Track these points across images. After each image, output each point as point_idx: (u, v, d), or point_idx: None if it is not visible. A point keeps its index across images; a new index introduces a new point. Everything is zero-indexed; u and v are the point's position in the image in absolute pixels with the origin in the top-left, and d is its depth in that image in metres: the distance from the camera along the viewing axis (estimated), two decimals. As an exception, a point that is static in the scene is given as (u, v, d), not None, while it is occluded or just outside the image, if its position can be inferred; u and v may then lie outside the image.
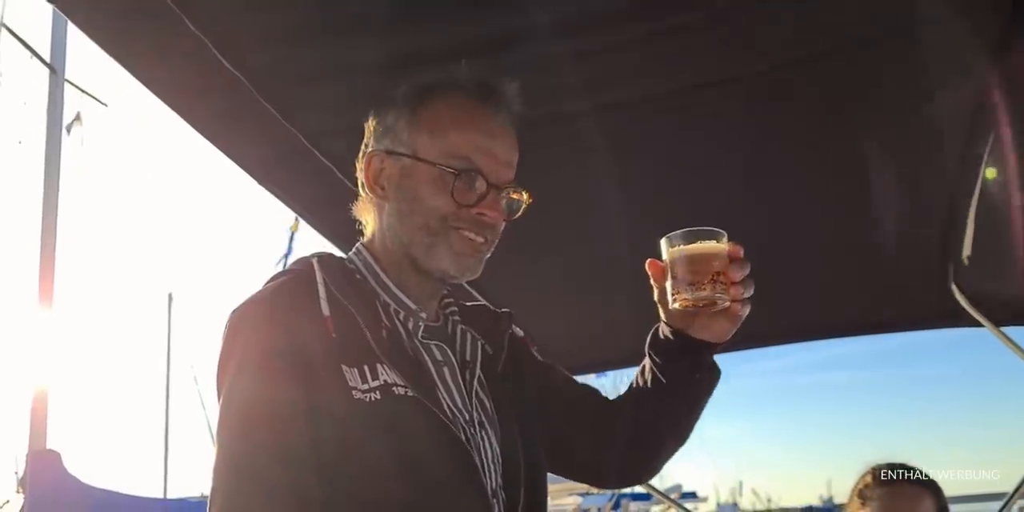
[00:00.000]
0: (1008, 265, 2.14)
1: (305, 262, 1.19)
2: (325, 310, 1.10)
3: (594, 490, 22.18)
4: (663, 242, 1.20)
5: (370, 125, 1.25)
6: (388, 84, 1.24)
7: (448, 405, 1.13)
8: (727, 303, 1.17)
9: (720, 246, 1.17)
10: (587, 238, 2.30)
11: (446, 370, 1.18)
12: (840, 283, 2.64)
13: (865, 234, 2.32)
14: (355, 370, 1.07)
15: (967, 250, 2.26)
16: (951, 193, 2.05)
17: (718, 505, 50.87)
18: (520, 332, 1.35)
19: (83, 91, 10.47)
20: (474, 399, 1.18)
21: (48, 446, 6.21)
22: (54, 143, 7.02)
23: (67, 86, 7.75)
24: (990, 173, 1.73)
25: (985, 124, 1.71)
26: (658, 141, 1.90)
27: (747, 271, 1.17)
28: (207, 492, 1.05)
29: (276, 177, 1.94)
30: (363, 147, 1.25)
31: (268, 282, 1.18)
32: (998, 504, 2.70)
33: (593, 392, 1.40)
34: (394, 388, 1.07)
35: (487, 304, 1.39)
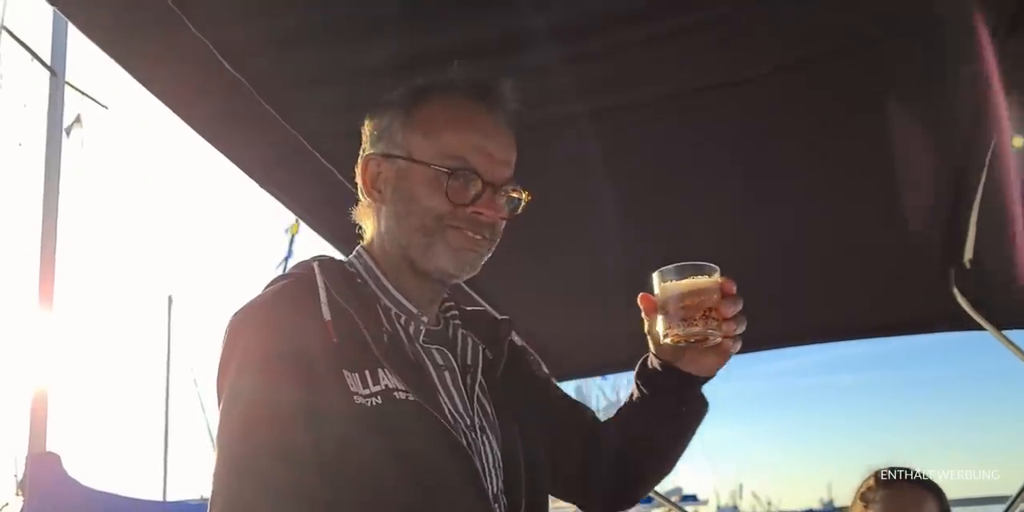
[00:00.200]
0: (1010, 268, 2.13)
1: (306, 266, 1.18)
2: (326, 314, 1.09)
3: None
4: (655, 276, 1.19)
5: (367, 129, 1.25)
6: (389, 86, 1.24)
7: (449, 409, 1.12)
8: (719, 339, 1.17)
9: (713, 281, 1.16)
10: (588, 241, 2.30)
11: (447, 374, 1.17)
12: (842, 286, 2.64)
13: (867, 237, 2.32)
14: (356, 375, 1.06)
15: (969, 253, 2.26)
16: (953, 196, 2.05)
17: (718, 508, 50.93)
18: (520, 341, 1.34)
19: (83, 93, 10.48)
20: (475, 403, 1.18)
21: (48, 448, 6.19)
22: (54, 145, 7.00)
23: (67, 88, 7.74)
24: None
25: (988, 126, 1.71)
26: (659, 143, 1.90)
27: (739, 307, 1.17)
28: (207, 495, 1.05)
29: (276, 179, 1.93)
30: (360, 151, 1.25)
31: (269, 286, 1.17)
32: (1000, 507, 2.70)
33: (585, 410, 1.41)
34: (395, 393, 1.06)
35: (488, 309, 1.38)
